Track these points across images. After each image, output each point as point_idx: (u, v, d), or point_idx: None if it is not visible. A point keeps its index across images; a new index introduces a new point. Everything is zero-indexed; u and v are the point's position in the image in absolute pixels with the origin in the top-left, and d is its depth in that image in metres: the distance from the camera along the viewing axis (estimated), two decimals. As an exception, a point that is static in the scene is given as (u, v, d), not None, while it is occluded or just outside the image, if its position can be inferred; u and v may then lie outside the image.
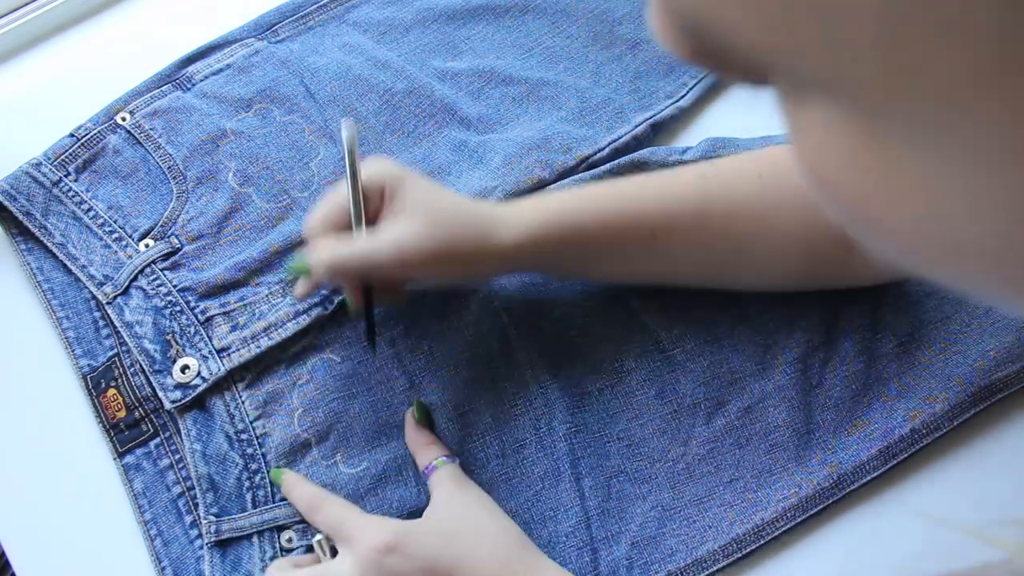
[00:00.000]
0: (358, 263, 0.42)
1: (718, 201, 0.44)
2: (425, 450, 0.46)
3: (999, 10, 0.10)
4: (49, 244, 0.53)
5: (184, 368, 0.50)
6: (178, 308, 0.52)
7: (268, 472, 0.49)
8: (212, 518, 0.47)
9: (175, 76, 0.59)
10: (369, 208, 0.43)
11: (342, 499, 0.46)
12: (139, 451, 0.50)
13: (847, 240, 0.43)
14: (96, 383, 0.52)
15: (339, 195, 0.44)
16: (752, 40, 0.14)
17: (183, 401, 0.49)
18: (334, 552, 0.45)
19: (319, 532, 0.46)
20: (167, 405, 0.49)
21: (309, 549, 0.47)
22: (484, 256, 0.43)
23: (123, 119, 0.57)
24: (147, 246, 0.53)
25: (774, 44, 0.14)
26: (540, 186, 0.53)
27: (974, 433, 0.50)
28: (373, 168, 0.43)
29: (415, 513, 0.47)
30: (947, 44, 0.11)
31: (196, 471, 0.48)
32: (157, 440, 0.51)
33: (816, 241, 0.43)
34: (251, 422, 0.49)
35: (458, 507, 0.44)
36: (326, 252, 0.42)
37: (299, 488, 0.47)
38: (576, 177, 0.54)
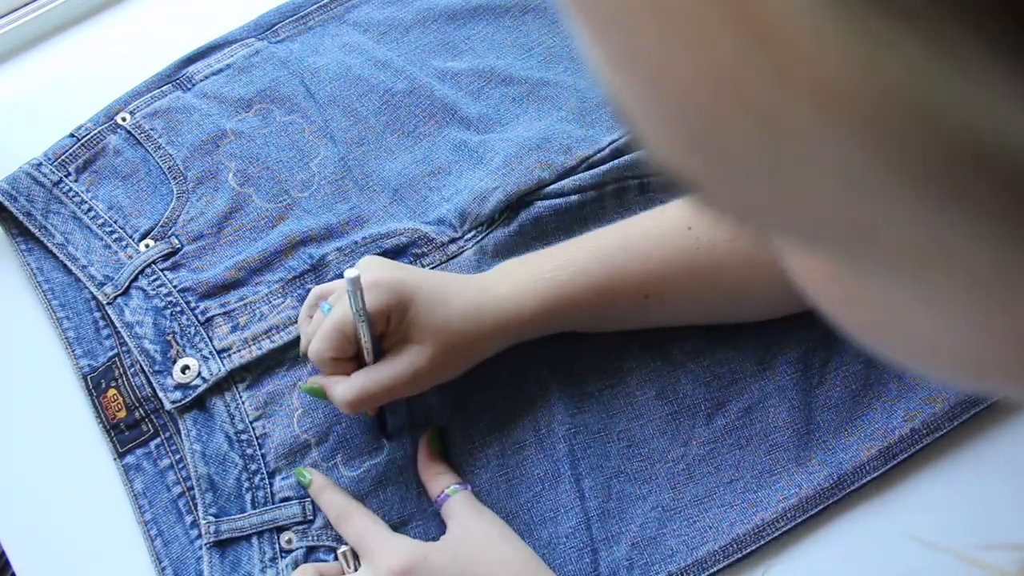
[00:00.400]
0: (380, 392, 0.44)
1: (705, 253, 0.45)
2: (436, 479, 0.47)
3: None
4: (49, 244, 0.53)
5: (184, 368, 0.50)
6: (178, 308, 0.52)
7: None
8: (211, 518, 0.47)
9: (175, 76, 0.59)
10: (374, 331, 0.44)
11: (370, 513, 0.46)
12: (139, 451, 0.50)
13: None
14: (96, 383, 0.52)
15: (343, 324, 0.44)
16: (721, 204, 0.14)
17: (183, 401, 0.49)
18: (358, 563, 0.45)
19: (344, 544, 0.46)
20: (167, 405, 0.49)
21: (309, 551, 0.47)
22: (488, 349, 0.46)
23: (123, 119, 0.57)
24: (147, 246, 0.53)
25: (742, 208, 0.14)
26: (540, 186, 0.54)
27: (973, 434, 0.50)
28: (375, 292, 0.43)
29: (414, 515, 0.47)
30: (904, 218, 0.11)
31: (196, 471, 0.48)
32: (157, 440, 0.51)
33: None
34: (251, 423, 0.49)
35: (475, 533, 0.44)
36: (348, 392, 0.44)
37: (329, 493, 0.47)
38: (576, 177, 0.54)
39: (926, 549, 0.42)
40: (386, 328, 0.44)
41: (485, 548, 0.44)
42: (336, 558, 0.47)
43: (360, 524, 0.45)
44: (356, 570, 0.45)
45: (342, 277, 0.51)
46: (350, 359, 0.45)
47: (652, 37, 0.10)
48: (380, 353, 0.45)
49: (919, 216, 0.10)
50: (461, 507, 0.45)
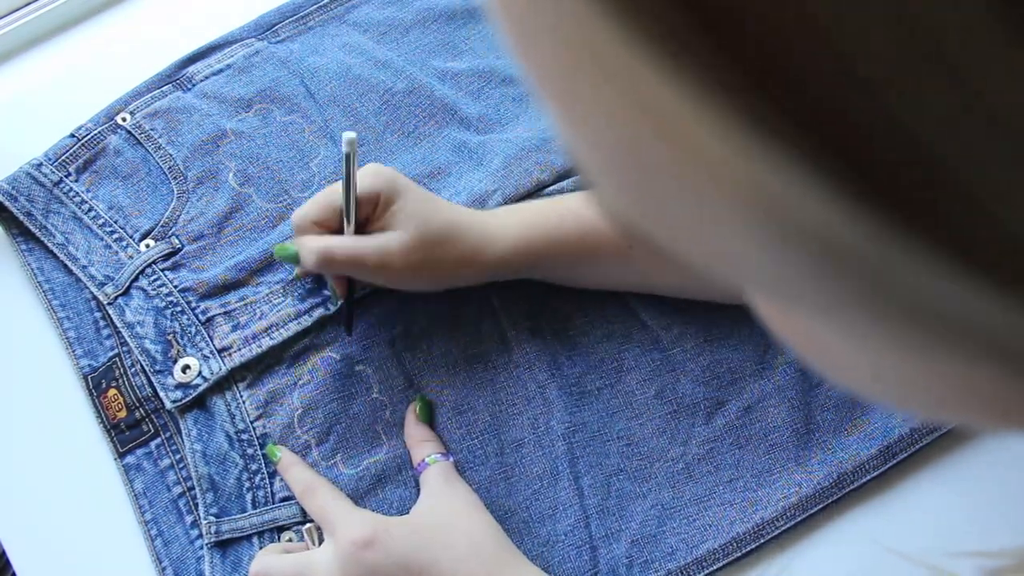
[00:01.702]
0: (343, 259, 0.44)
1: None
2: (420, 446, 0.47)
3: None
4: (50, 244, 0.53)
5: (185, 368, 0.50)
6: (179, 308, 0.52)
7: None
8: (212, 519, 0.47)
9: (175, 76, 0.59)
10: (360, 213, 0.45)
11: (335, 489, 0.46)
12: (140, 451, 0.51)
13: None
14: (97, 383, 0.52)
15: (331, 194, 0.46)
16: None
17: (184, 401, 0.49)
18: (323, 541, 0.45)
19: (311, 520, 0.46)
20: (168, 405, 0.49)
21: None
22: (466, 271, 0.46)
23: (123, 119, 0.57)
24: (148, 246, 0.53)
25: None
26: (539, 188, 0.54)
27: (973, 434, 0.50)
28: (371, 177, 0.45)
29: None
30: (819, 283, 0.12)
31: (196, 471, 0.48)
32: (158, 440, 0.51)
33: None
34: (252, 422, 0.49)
35: (442, 505, 0.44)
36: (316, 243, 0.44)
37: (295, 470, 0.47)
38: (575, 178, 0.54)
39: (912, 558, 0.42)
40: (371, 213, 0.45)
41: (449, 521, 0.43)
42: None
43: (322, 498, 0.45)
44: (320, 545, 0.45)
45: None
46: (330, 232, 0.46)
47: (585, 103, 0.11)
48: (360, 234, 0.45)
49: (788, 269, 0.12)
50: (436, 478, 0.45)
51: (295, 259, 0.46)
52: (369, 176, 0.45)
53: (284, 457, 0.48)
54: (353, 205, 0.44)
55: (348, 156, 0.42)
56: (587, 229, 0.45)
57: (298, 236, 0.46)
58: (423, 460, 0.46)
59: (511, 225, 0.46)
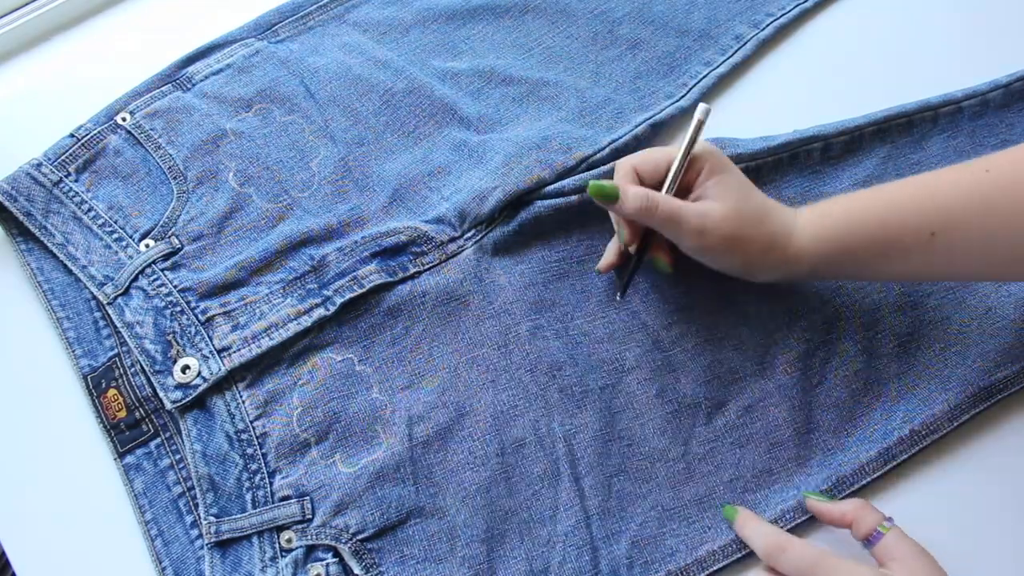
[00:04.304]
0: (665, 212, 0.45)
1: (1005, 195, 0.43)
2: (866, 516, 0.44)
3: None
4: (49, 244, 0.53)
5: (185, 368, 0.50)
6: (179, 308, 0.52)
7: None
8: (212, 519, 0.47)
9: (175, 76, 0.59)
10: (684, 178, 0.47)
11: (807, 544, 0.44)
12: (140, 451, 0.51)
13: None
14: (97, 383, 0.52)
15: (656, 152, 0.48)
16: None
17: (184, 401, 0.49)
18: None
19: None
20: (168, 405, 0.49)
21: (309, 549, 0.47)
22: (771, 256, 0.46)
23: (123, 119, 0.57)
24: (147, 246, 0.53)
25: None
26: (540, 186, 0.53)
27: (973, 434, 0.50)
28: (704, 147, 0.47)
29: (413, 513, 0.47)
30: None
31: (196, 471, 0.48)
32: (158, 440, 0.51)
33: None
34: (251, 422, 0.49)
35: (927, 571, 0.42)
36: (642, 190, 0.46)
37: (755, 525, 0.46)
38: (576, 177, 0.54)
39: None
40: (693, 181, 0.47)
41: None
42: (335, 555, 0.47)
43: (805, 552, 0.43)
44: None
45: (344, 276, 0.52)
46: (648, 185, 0.48)
47: None
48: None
49: None
50: (900, 546, 0.42)
51: (613, 197, 0.46)
52: (703, 145, 0.47)
53: (741, 515, 0.47)
54: (683, 168, 0.47)
55: (700, 123, 0.46)
56: (884, 219, 0.45)
57: (619, 179, 0.48)
58: (876, 530, 0.43)
59: (815, 219, 0.47)
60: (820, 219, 0.46)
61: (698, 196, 0.47)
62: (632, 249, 0.50)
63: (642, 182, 0.48)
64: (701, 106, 0.47)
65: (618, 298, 0.52)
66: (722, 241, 0.45)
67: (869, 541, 0.43)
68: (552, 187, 0.54)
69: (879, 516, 0.44)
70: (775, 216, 0.47)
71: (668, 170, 0.47)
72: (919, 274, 0.47)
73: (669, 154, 0.48)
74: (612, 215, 0.51)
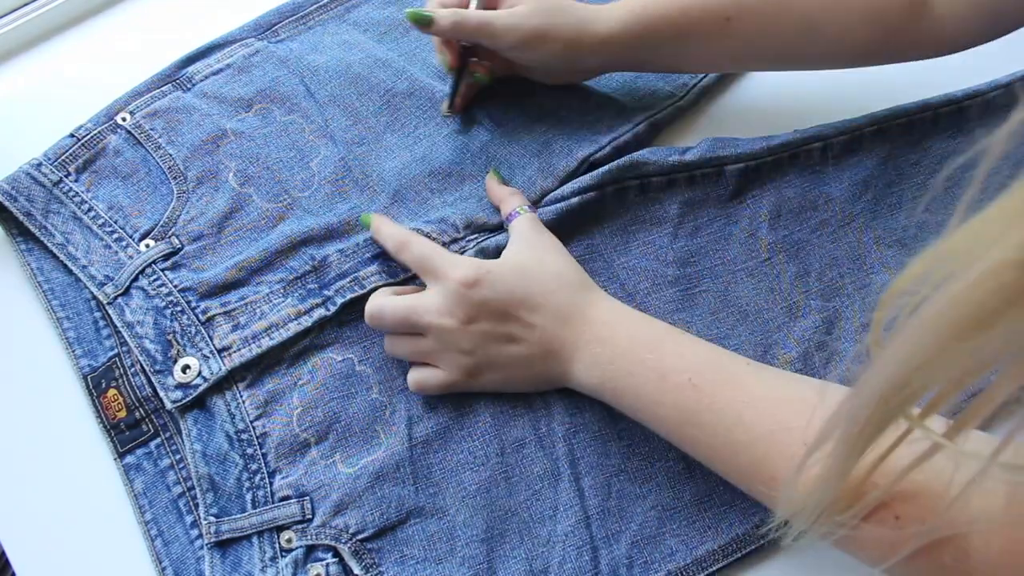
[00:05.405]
0: (475, 23, 0.51)
1: None
2: (509, 199, 0.52)
3: None
4: (49, 244, 0.53)
5: (185, 368, 0.50)
6: (179, 308, 0.52)
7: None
8: (212, 519, 0.47)
9: (175, 76, 0.59)
10: None
11: (425, 239, 0.50)
12: (140, 451, 0.51)
13: (916, 7, 0.47)
14: (96, 383, 0.52)
15: None
16: None
17: (184, 401, 0.49)
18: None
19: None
20: (168, 405, 0.49)
21: (308, 549, 0.47)
22: (580, 42, 0.51)
23: (123, 119, 0.57)
24: (148, 246, 0.53)
25: None
26: (543, 195, 0.54)
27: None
28: None
29: (413, 513, 0.47)
30: None
31: (196, 471, 0.48)
32: (158, 440, 0.51)
33: (883, 10, 0.49)
34: (251, 422, 0.49)
35: (533, 248, 0.49)
36: (450, 10, 0.51)
37: (387, 228, 0.51)
38: (577, 180, 0.54)
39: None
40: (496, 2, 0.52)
41: (542, 262, 0.48)
42: (335, 555, 0.47)
43: (419, 248, 0.49)
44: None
45: (345, 277, 0.52)
46: (458, 5, 0.52)
47: None
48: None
49: None
50: (526, 225, 0.51)
51: (428, 22, 0.51)
52: None
53: (374, 220, 0.52)
54: None
55: None
56: (689, 5, 0.51)
57: (430, 5, 0.52)
58: (514, 210, 0.51)
59: (617, 7, 0.52)
60: (627, 8, 0.51)
61: (504, 7, 0.52)
62: (453, 73, 0.55)
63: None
64: None
65: (444, 110, 0.57)
66: (533, 33, 0.50)
67: (508, 219, 0.52)
68: (552, 195, 0.54)
69: (522, 200, 0.52)
70: (580, 8, 0.51)
71: None
72: (718, 60, 0.54)
73: None
74: (435, 44, 0.56)
